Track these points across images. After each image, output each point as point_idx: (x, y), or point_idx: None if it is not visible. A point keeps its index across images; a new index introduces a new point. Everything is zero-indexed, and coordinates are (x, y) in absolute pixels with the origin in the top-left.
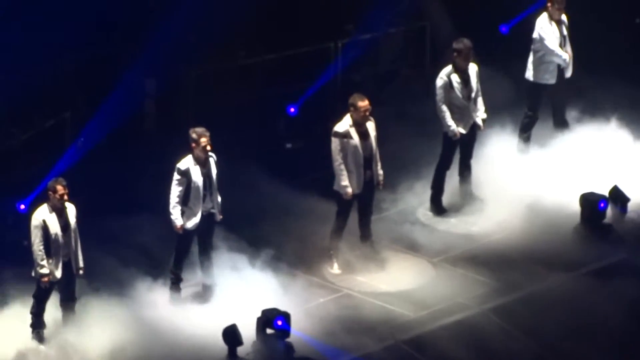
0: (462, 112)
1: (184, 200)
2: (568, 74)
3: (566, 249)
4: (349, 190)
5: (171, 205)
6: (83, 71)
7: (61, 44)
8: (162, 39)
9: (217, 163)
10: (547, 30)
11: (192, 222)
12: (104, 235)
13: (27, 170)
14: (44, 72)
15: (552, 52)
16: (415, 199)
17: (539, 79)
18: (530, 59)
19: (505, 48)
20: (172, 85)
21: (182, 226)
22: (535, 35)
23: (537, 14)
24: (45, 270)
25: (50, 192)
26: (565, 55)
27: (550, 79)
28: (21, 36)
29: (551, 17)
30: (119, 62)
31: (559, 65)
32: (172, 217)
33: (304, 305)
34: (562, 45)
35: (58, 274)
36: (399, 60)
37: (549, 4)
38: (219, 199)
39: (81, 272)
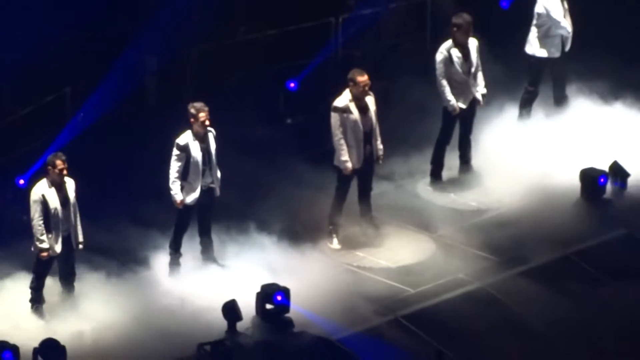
0: (462, 86)
1: (184, 175)
2: (567, 47)
3: (566, 224)
4: (349, 165)
5: (171, 181)
6: (84, 47)
7: (61, 20)
8: (163, 15)
9: (216, 138)
10: (552, 2)
11: (192, 197)
12: (103, 210)
13: (27, 145)
14: (45, 47)
15: (558, 24)
16: (415, 173)
17: (544, 53)
18: (534, 34)
19: (506, 22)
20: (173, 61)
21: (182, 201)
22: (539, 9)
23: None
24: (45, 245)
25: (50, 167)
26: (569, 27)
27: (556, 53)
28: (21, 12)
29: None
30: (119, 38)
31: (561, 38)
32: (172, 192)
33: (303, 280)
34: (564, 17)
35: (58, 248)
36: (400, 35)
37: None
38: (219, 174)
39: (81, 246)
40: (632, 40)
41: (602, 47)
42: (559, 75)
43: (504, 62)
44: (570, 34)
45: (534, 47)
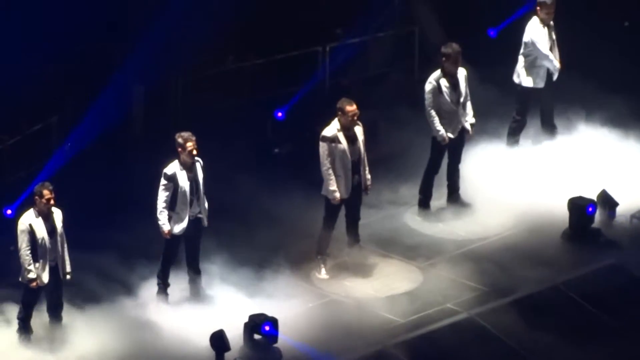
0: (451, 116)
1: (171, 205)
2: (554, 77)
3: (554, 254)
4: (337, 194)
5: (158, 211)
6: (71, 76)
7: (48, 49)
8: (151, 44)
9: (204, 167)
10: (539, 34)
11: (179, 227)
12: (90, 239)
13: (14, 174)
14: (32, 76)
15: (544, 57)
16: (403, 203)
17: (529, 83)
18: (521, 63)
19: (494, 52)
20: (161, 90)
21: (170, 231)
22: (526, 39)
23: (526, 18)
24: (32, 275)
25: (37, 197)
26: (556, 61)
27: (540, 83)
28: (8, 41)
29: (542, 22)
30: (107, 67)
31: (548, 69)
32: (159, 222)
33: (292, 310)
34: (551, 49)
35: (45, 278)
36: (388, 65)
37: (538, 8)
38: (206, 204)
39: (68, 277)
40: (617, 68)
41: (587, 76)
42: (546, 104)
43: (492, 90)
44: (557, 66)
45: (520, 76)
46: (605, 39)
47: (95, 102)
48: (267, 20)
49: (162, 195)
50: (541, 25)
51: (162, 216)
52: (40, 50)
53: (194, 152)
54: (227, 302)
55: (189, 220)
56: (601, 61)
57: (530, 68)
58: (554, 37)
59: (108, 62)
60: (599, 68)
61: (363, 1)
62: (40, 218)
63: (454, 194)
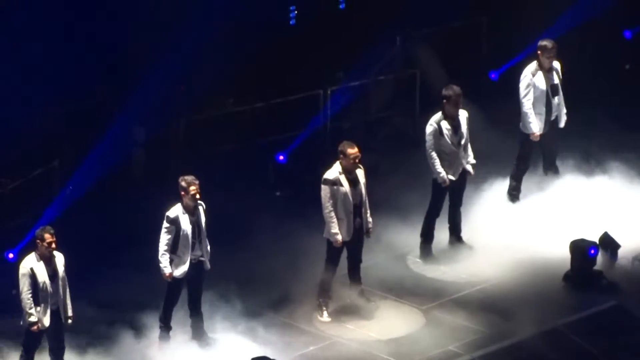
0: (452, 158)
1: (173, 248)
2: (562, 124)
3: (556, 296)
4: (339, 237)
5: (160, 253)
6: (72, 120)
7: (49, 93)
8: (151, 87)
9: (206, 211)
10: (527, 81)
11: (181, 270)
12: (92, 284)
13: (15, 219)
14: (32, 120)
15: (523, 105)
16: (404, 246)
17: (528, 129)
18: (522, 108)
19: (495, 94)
20: (161, 133)
21: (171, 274)
22: (522, 85)
23: (528, 60)
24: (33, 319)
25: (39, 241)
26: (535, 123)
27: (537, 129)
28: (9, 85)
29: (541, 66)
30: (107, 111)
31: (550, 114)
32: (161, 265)
33: (293, 353)
34: (551, 94)
35: (46, 322)
36: (389, 108)
37: (539, 52)
38: (208, 247)
39: (70, 321)
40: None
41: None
42: (548, 148)
43: (494, 132)
44: (557, 111)
45: (521, 122)
46: (609, 82)
47: (96, 145)
48: (268, 63)
49: (164, 238)
50: (538, 70)
51: (164, 259)
52: (41, 94)
53: (197, 195)
54: (229, 345)
55: (191, 263)
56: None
57: (529, 113)
58: (555, 81)
59: (109, 106)
60: (604, 109)
61: (364, 44)
62: (41, 262)
63: (455, 237)
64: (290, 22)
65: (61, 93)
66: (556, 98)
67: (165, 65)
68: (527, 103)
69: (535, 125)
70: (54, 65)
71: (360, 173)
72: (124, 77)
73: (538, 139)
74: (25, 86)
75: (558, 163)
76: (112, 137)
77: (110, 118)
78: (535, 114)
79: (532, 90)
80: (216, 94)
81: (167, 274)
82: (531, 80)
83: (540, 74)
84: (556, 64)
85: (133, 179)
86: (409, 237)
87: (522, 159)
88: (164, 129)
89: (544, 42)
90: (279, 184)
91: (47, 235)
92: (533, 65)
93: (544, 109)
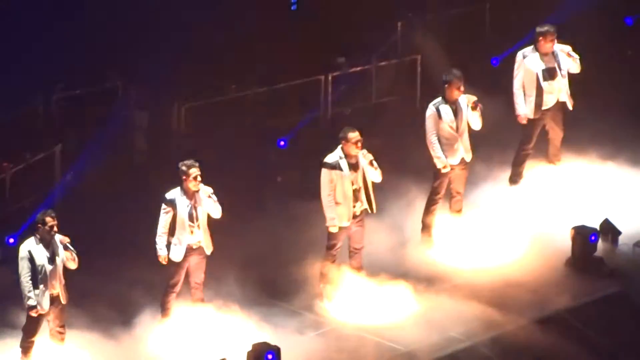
0: (452, 143)
1: (171, 231)
2: (569, 105)
3: (557, 282)
4: (336, 222)
5: (157, 235)
6: (73, 105)
7: (50, 78)
8: (153, 72)
9: (211, 196)
10: (517, 65)
11: (177, 254)
12: (93, 269)
13: (16, 203)
14: (34, 105)
15: (513, 89)
16: (405, 232)
17: (529, 113)
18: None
19: (496, 80)
20: (163, 118)
21: (166, 256)
22: (516, 69)
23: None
24: (32, 302)
25: (40, 224)
26: (521, 105)
27: (530, 114)
28: (9, 70)
29: (537, 49)
30: (109, 96)
31: (540, 97)
32: (157, 246)
33: (294, 339)
34: (544, 78)
35: (46, 305)
36: (390, 93)
37: (540, 38)
38: (209, 233)
39: (64, 301)
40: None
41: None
42: (552, 134)
43: (496, 118)
44: (557, 93)
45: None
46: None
47: (98, 130)
48: (270, 49)
49: (162, 220)
50: (534, 53)
51: (160, 240)
52: (43, 79)
53: (198, 179)
54: (229, 331)
55: (190, 249)
56: (608, 89)
57: (527, 97)
58: (555, 64)
59: (111, 91)
60: (607, 96)
61: (365, 30)
62: (40, 245)
63: (456, 222)
64: (292, 7)
65: (63, 77)
66: (555, 82)
67: (168, 51)
68: (516, 83)
69: (522, 107)
70: (57, 47)
71: (361, 158)
72: (126, 63)
73: (524, 121)
74: (26, 72)
75: (561, 149)
76: (114, 123)
77: (112, 102)
78: (526, 96)
79: (522, 72)
80: (218, 79)
81: (163, 256)
82: (522, 61)
83: (534, 56)
84: (562, 47)
85: (134, 164)
86: (409, 222)
87: (523, 143)
88: (165, 114)
89: (540, 27)
90: (280, 169)
91: (48, 219)
92: (529, 48)
93: (534, 92)
